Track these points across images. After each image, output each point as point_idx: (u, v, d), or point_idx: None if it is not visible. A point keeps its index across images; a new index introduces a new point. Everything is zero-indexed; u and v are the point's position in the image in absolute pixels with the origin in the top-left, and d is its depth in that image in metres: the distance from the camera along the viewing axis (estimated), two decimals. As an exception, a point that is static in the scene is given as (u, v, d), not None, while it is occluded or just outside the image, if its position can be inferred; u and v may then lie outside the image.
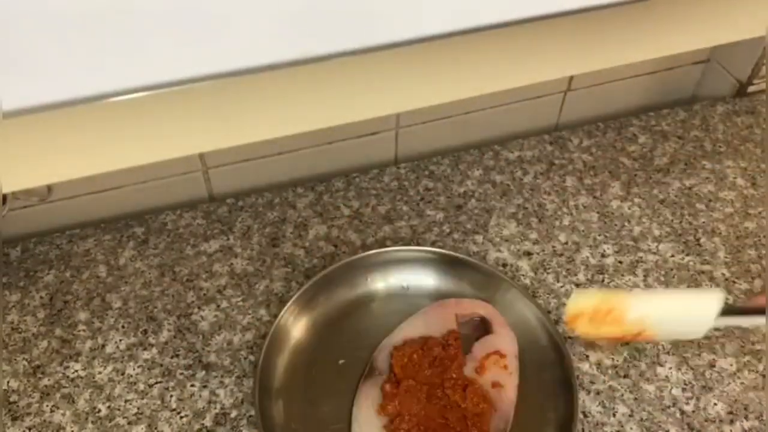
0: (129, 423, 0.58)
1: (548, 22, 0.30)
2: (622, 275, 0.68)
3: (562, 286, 0.68)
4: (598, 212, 0.75)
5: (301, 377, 0.60)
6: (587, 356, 0.62)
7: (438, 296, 0.65)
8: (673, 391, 0.60)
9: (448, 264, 0.66)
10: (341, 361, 0.61)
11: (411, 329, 0.62)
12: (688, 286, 0.67)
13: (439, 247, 0.71)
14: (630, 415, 0.58)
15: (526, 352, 0.61)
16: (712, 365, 0.61)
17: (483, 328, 0.63)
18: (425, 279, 0.67)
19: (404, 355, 0.59)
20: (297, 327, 0.62)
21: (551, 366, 0.59)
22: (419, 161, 0.81)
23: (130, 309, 0.66)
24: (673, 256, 0.70)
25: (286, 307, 0.61)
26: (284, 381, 0.59)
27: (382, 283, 0.66)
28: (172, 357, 0.62)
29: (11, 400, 0.59)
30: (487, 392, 0.57)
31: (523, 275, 0.69)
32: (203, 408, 0.59)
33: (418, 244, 0.71)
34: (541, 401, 0.58)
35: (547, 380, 0.59)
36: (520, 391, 0.58)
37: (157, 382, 0.61)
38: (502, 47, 0.33)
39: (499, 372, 0.59)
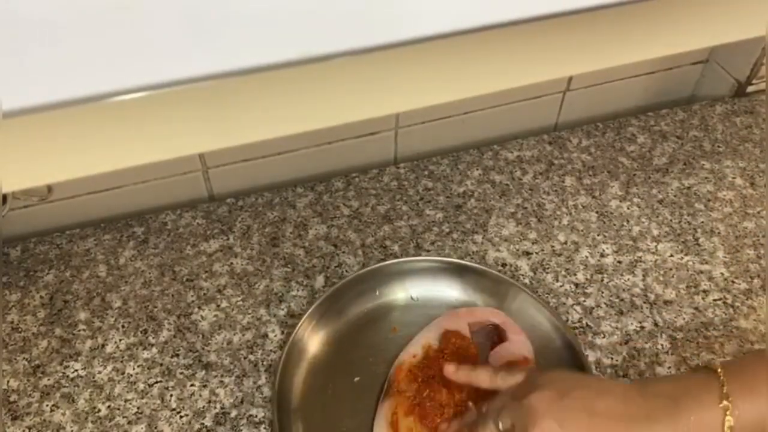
0: (129, 422, 0.58)
1: (548, 22, 0.30)
2: (621, 275, 0.69)
3: (561, 286, 0.68)
4: (597, 212, 0.75)
5: (318, 396, 0.59)
6: (586, 355, 0.62)
7: (447, 305, 0.65)
8: (673, 391, 0.60)
9: (454, 272, 0.66)
10: (357, 379, 0.60)
11: (425, 341, 0.61)
12: (687, 286, 0.68)
13: (439, 247, 0.71)
14: (629, 415, 0.58)
15: (542, 355, 0.60)
16: (711, 365, 0.62)
17: (496, 335, 0.62)
18: (433, 289, 0.66)
19: (420, 374, 0.58)
20: (311, 345, 0.62)
21: (567, 366, 0.59)
22: (419, 161, 0.81)
23: (130, 309, 0.66)
24: (672, 255, 0.70)
25: (298, 325, 0.61)
26: (301, 400, 0.59)
27: (391, 296, 0.66)
28: (172, 356, 0.62)
29: (11, 399, 0.59)
30: None
31: (522, 275, 0.69)
32: (203, 407, 0.59)
33: (418, 245, 0.71)
34: None
35: None
36: None
37: (156, 382, 0.61)
38: (502, 47, 0.33)
39: None
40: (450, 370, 0.56)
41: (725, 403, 0.44)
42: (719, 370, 0.46)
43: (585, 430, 0.46)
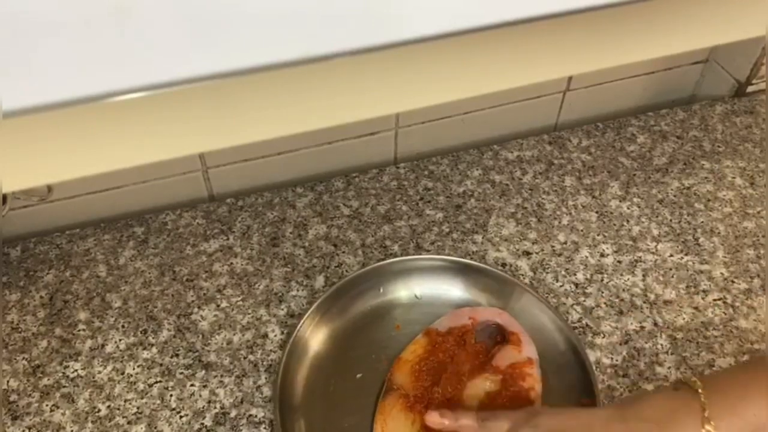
0: (129, 422, 0.58)
1: (548, 22, 0.30)
2: (621, 275, 0.69)
3: (561, 286, 0.68)
4: (597, 212, 0.75)
5: (320, 393, 0.59)
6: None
7: (451, 304, 0.65)
8: (673, 391, 0.60)
9: (458, 272, 0.66)
10: (359, 375, 0.60)
11: (427, 339, 0.61)
12: (687, 286, 0.68)
13: (439, 247, 0.71)
14: (629, 415, 0.58)
15: (545, 357, 0.60)
16: (711, 364, 0.62)
17: (499, 334, 0.62)
18: (437, 288, 0.66)
19: (421, 371, 0.58)
20: (313, 342, 0.62)
21: (571, 369, 0.59)
22: (419, 161, 0.81)
23: (130, 308, 0.66)
24: (671, 255, 0.70)
25: (301, 322, 0.61)
26: (303, 397, 0.59)
27: (395, 294, 0.66)
28: (171, 356, 0.62)
29: (11, 399, 0.59)
30: (513, 402, 0.57)
31: (522, 275, 0.69)
32: (203, 407, 0.59)
33: (418, 245, 0.71)
34: (565, 406, 0.58)
35: (568, 384, 0.59)
36: (543, 398, 0.58)
37: (156, 382, 0.61)
38: (502, 47, 0.33)
39: (523, 381, 0.58)
40: (433, 418, 0.55)
41: (707, 427, 0.44)
42: (700, 390, 0.46)
43: None
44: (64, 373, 0.61)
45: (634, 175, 0.79)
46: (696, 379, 0.48)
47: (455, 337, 0.61)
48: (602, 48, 0.37)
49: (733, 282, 0.68)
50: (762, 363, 0.49)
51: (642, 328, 0.64)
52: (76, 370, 0.61)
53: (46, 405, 0.59)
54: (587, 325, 0.64)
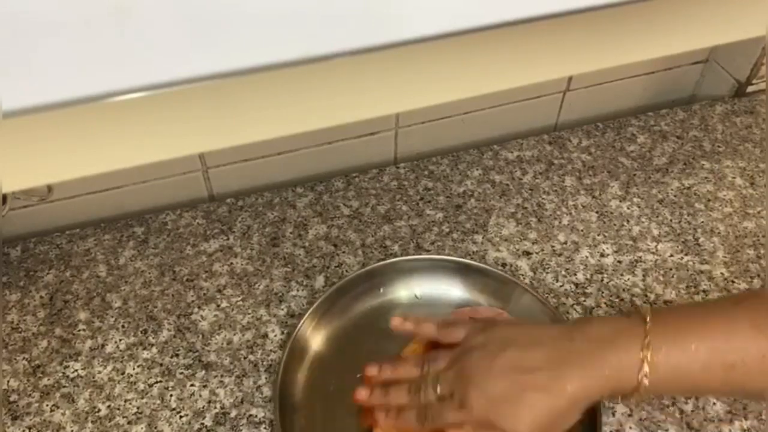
0: (129, 422, 0.58)
1: (548, 22, 0.30)
2: (621, 275, 0.69)
3: (561, 286, 0.68)
4: (597, 212, 0.75)
5: (320, 393, 0.59)
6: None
7: (451, 305, 0.65)
8: (673, 391, 0.60)
9: (459, 272, 0.66)
10: (359, 375, 0.60)
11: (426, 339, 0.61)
12: (687, 286, 0.68)
13: (439, 247, 0.71)
14: (629, 415, 0.58)
15: None
16: (711, 365, 0.62)
17: None
18: (438, 288, 0.66)
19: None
20: (313, 342, 0.62)
21: None
22: (419, 161, 0.81)
23: (130, 308, 0.66)
24: (672, 255, 0.70)
25: (301, 322, 0.61)
26: (303, 398, 0.58)
27: (394, 293, 0.66)
28: (171, 356, 0.62)
29: (11, 399, 0.59)
30: None
31: (522, 275, 0.69)
32: (203, 407, 0.59)
33: (418, 245, 0.71)
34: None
35: None
36: None
37: (156, 382, 0.61)
38: (502, 47, 0.33)
39: None
40: (396, 322, 0.58)
41: (644, 352, 0.45)
42: (648, 318, 0.47)
43: (513, 390, 0.47)
44: (64, 373, 0.61)
45: (634, 175, 0.79)
46: (649, 307, 0.49)
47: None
48: (602, 48, 0.37)
49: (733, 282, 0.68)
50: (716, 304, 0.50)
51: (642, 328, 0.64)
52: (76, 370, 0.61)
53: (46, 405, 0.59)
54: (587, 325, 0.64)
